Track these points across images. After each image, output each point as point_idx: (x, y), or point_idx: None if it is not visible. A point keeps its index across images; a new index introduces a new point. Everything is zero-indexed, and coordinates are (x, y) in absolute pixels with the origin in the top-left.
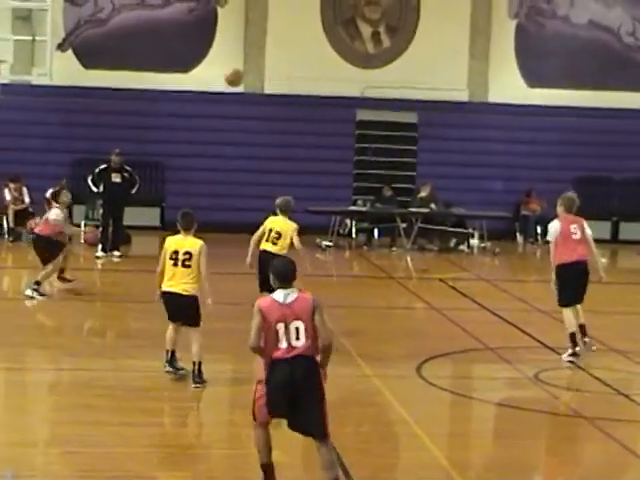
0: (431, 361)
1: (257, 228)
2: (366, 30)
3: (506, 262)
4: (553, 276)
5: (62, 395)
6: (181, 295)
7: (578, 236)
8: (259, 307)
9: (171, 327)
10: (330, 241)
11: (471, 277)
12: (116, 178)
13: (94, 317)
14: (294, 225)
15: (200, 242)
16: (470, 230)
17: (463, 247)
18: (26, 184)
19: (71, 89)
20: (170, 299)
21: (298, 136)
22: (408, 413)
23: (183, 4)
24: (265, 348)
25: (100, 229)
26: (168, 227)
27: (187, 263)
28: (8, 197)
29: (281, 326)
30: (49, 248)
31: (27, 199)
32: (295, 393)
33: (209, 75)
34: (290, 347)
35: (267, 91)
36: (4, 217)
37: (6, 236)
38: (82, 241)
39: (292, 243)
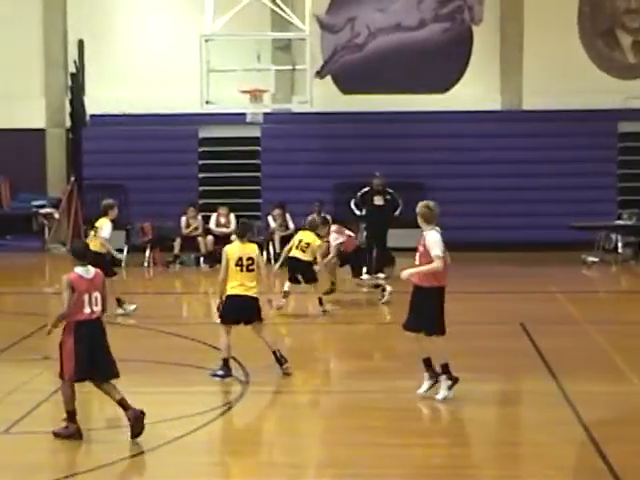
0: None
1: (518, 246)
2: (626, 40)
3: None
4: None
5: (335, 417)
6: (250, 297)
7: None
8: (70, 281)
9: (229, 334)
10: (596, 256)
11: None
12: (378, 201)
13: (361, 339)
14: (319, 242)
15: (256, 246)
16: None
17: None
18: (290, 210)
19: (330, 115)
20: (239, 302)
21: (558, 151)
22: None
23: (438, 25)
24: (71, 313)
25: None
26: None
27: (251, 267)
28: (273, 224)
29: (86, 296)
30: None
31: (291, 225)
32: (98, 346)
33: (467, 94)
34: (92, 312)
35: (525, 107)
36: (270, 243)
37: (272, 261)
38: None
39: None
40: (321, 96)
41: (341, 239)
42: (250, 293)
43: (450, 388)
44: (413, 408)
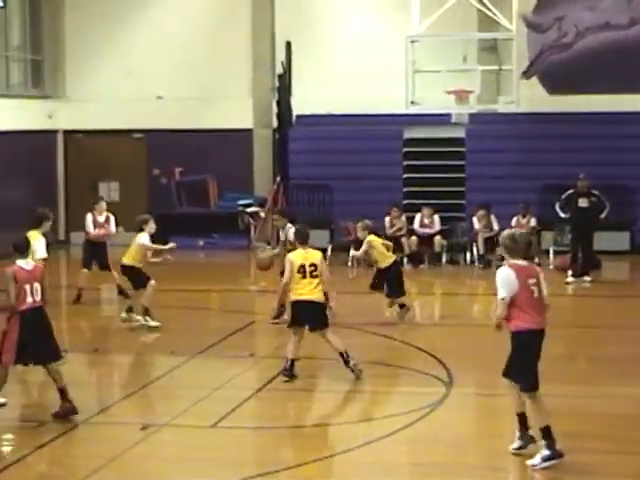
0: None
1: None
2: None
3: None
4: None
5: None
6: (314, 302)
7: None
8: (13, 273)
9: (297, 337)
10: None
11: None
12: (583, 203)
13: (567, 342)
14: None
15: (320, 253)
16: None
17: None
18: (494, 212)
19: (536, 115)
20: (303, 306)
21: None
22: None
23: None
24: (15, 303)
25: (569, 254)
26: (638, 251)
27: (314, 274)
28: (477, 225)
29: (28, 286)
30: None
31: (496, 226)
32: (41, 333)
33: None
34: (34, 301)
35: None
36: (474, 244)
37: (476, 263)
38: (551, 267)
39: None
40: (527, 96)
41: None
42: (313, 298)
43: (545, 460)
44: (627, 414)
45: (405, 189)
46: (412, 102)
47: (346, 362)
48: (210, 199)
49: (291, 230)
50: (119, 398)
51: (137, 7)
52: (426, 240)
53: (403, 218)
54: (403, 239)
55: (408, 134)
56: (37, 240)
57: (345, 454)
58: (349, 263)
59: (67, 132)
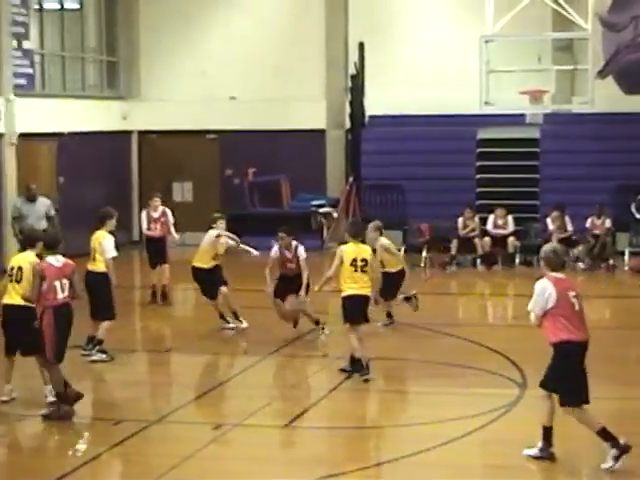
0: None
1: None
2: None
3: None
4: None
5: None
6: (364, 296)
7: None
8: (42, 269)
9: (356, 332)
10: None
11: None
12: None
13: (637, 345)
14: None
15: (370, 248)
16: None
17: None
18: (569, 213)
19: (612, 116)
20: (356, 300)
21: None
22: None
23: None
24: (42, 299)
25: None
26: None
27: (365, 269)
28: (551, 226)
29: (57, 282)
30: None
31: (570, 227)
32: (69, 329)
33: None
34: (63, 297)
35: None
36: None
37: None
38: (626, 268)
39: None
40: (602, 96)
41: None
42: (366, 293)
43: (616, 459)
44: None
45: (478, 190)
46: (486, 102)
47: (359, 362)
48: (283, 199)
49: (300, 248)
50: (192, 398)
51: (210, 7)
52: (499, 241)
53: (476, 219)
54: (476, 240)
55: (482, 135)
56: (105, 239)
57: (418, 455)
58: (422, 264)
59: (141, 133)
